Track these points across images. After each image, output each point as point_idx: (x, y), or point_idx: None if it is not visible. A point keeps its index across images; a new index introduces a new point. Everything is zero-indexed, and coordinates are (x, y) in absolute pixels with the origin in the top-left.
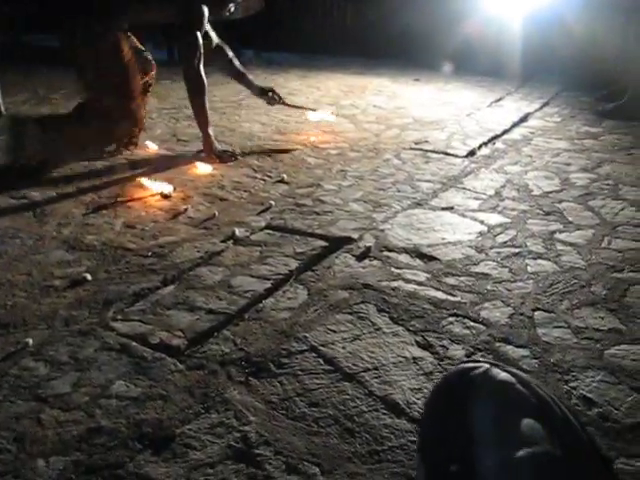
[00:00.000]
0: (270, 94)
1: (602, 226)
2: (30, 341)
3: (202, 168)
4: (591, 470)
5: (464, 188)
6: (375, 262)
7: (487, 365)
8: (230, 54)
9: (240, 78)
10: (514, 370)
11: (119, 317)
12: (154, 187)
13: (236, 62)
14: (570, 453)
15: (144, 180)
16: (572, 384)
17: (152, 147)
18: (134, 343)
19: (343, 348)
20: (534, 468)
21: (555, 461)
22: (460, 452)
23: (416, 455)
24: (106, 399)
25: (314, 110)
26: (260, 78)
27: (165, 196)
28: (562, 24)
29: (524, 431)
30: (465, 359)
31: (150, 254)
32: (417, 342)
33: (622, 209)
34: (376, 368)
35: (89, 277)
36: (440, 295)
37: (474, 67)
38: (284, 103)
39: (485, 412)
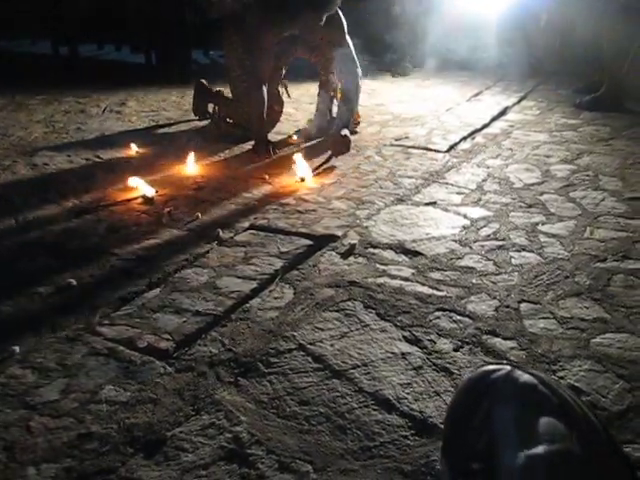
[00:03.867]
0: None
1: (584, 217)
2: (17, 349)
3: (188, 168)
4: (611, 469)
5: (446, 183)
6: (360, 259)
7: (509, 367)
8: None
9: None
10: (536, 372)
11: (106, 322)
12: (137, 190)
13: None
14: (590, 452)
15: (127, 183)
16: (560, 374)
17: (133, 149)
18: (122, 347)
19: (331, 346)
20: (554, 466)
21: (575, 459)
22: (482, 451)
23: (439, 456)
24: (95, 404)
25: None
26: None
27: (148, 199)
28: (538, 18)
29: (544, 430)
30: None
31: (134, 258)
32: (405, 337)
33: (603, 199)
34: (365, 364)
35: (74, 282)
36: (426, 290)
37: (452, 63)
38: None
39: (507, 413)
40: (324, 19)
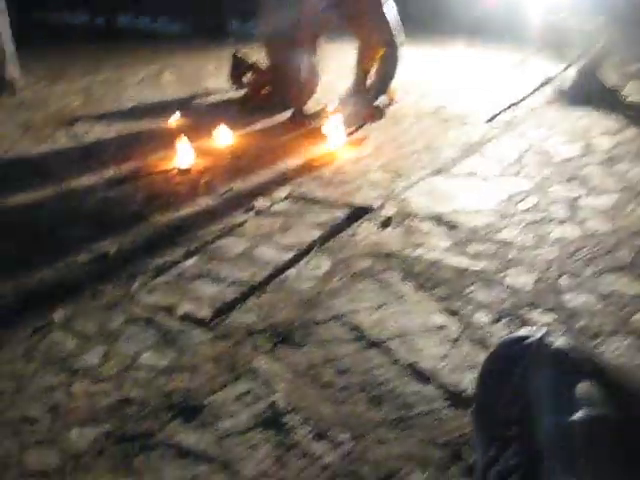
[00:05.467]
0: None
1: (626, 191)
2: (57, 316)
3: (225, 139)
4: None
5: (485, 155)
6: (398, 230)
7: (543, 332)
8: None
9: None
10: (570, 338)
11: (144, 290)
12: (174, 159)
13: None
14: (626, 417)
15: (165, 153)
16: (599, 349)
17: (171, 119)
18: (160, 315)
19: (368, 316)
20: (589, 430)
21: (611, 424)
22: (517, 417)
23: (472, 420)
24: (135, 370)
25: None
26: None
27: (184, 169)
28: None
29: (580, 395)
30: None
31: (172, 227)
32: (442, 309)
33: None
34: (401, 336)
35: (113, 250)
36: (464, 262)
37: (493, 31)
38: None
39: (541, 379)
40: None
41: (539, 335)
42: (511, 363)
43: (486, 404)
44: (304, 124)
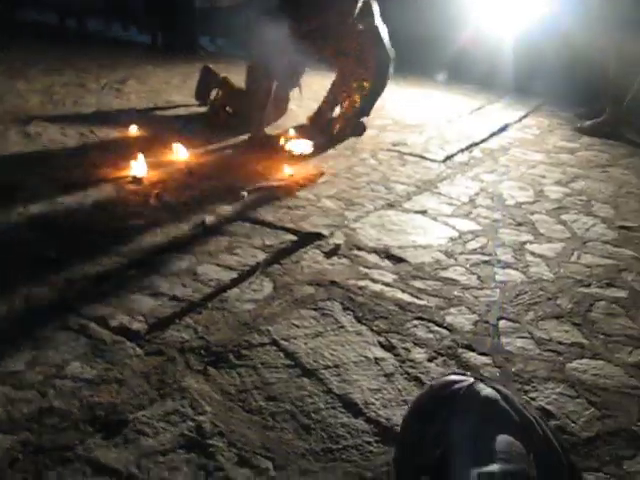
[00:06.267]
0: None
1: (572, 240)
2: None
3: (181, 153)
4: None
5: (438, 193)
6: (344, 260)
7: (472, 379)
8: None
9: None
10: (499, 387)
11: (80, 298)
12: (128, 169)
13: None
14: (547, 475)
15: (118, 161)
16: (532, 394)
17: (129, 128)
18: (94, 325)
19: (305, 344)
20: None
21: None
22: (434, 463)
23: (391, 461)
24: (60, 380)
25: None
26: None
27: (137, 179)
28: (549, 41)
29: (501, 448)
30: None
31: (118, 236)
32: (380, 343)
33: (593, 225)
34: (337, 366)
35: (53, 255)
36: (406, 297)
37: (462, 75)
38: None
39: (465, 425)
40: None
41: (468, 382)
42: (439, 406)
43: (406, 447)
44: (262, 147)
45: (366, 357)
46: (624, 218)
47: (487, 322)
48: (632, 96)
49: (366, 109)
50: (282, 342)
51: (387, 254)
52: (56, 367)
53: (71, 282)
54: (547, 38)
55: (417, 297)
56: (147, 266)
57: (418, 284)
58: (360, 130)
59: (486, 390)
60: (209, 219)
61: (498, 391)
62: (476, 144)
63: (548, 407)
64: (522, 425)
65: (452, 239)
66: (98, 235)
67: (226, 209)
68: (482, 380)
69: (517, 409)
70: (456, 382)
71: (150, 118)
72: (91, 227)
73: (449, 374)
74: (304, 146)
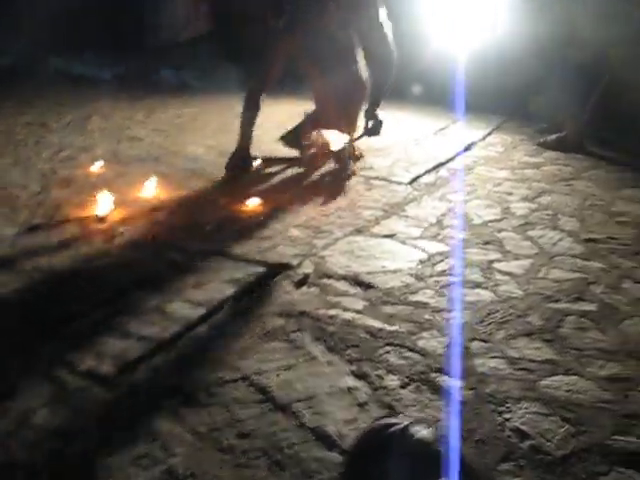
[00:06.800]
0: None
1: (540, 256)
2: None
3: (148, 191)
4: None
5: (406, 216)
6: (313, 289)
7: (406, 422)
8: None
9: None
10: (435, 429)
11: (45, 341)
12: (92, 208)
13: None
14: None
15: (82, 200)
16: (506, 415)
17: (92, 166)
18: (60, 369)
19: (276, 377)
20: None
21: None
22: None
23: None
24: (26, 430)
25: None
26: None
27: (100, 218)
28: (506, 58)
29: None
30: (384, 416)
31: (83, 277)
32: (352, 372)
33: (560, 239)
34: (309, 398)
35: (16, 298)
36: (377, 324)
37: (425, 95)
38: None
39: (398, 469)
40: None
41: (403, 424)
42: (378, 450)
43: None
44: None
45: (339, 387)
46: (590, 230)
47: (459, 344)
48: (591, 108)
49: (379, 99)
50: (253, 377)
51: (357, 281)
52: (22, 415)
53: (35, 326)
54: (504, 55)
55: (388, 323)
56: (114, 306)
57: (389, 309)
58: (376, 130)
59: (420, 433)
60: (175, 255)
61: (433, 434)
62: (442, 164)
63: (523, 427)
64: (460, 466)
65: (421, 261)
66: (61, 275)
67: (192, 244)
68: (418, 422)
69: (452, 449)
70: (391, 425)
71: (114, 155)
72: (54, 267)
73: (383, 417)
74: (338, 139)
